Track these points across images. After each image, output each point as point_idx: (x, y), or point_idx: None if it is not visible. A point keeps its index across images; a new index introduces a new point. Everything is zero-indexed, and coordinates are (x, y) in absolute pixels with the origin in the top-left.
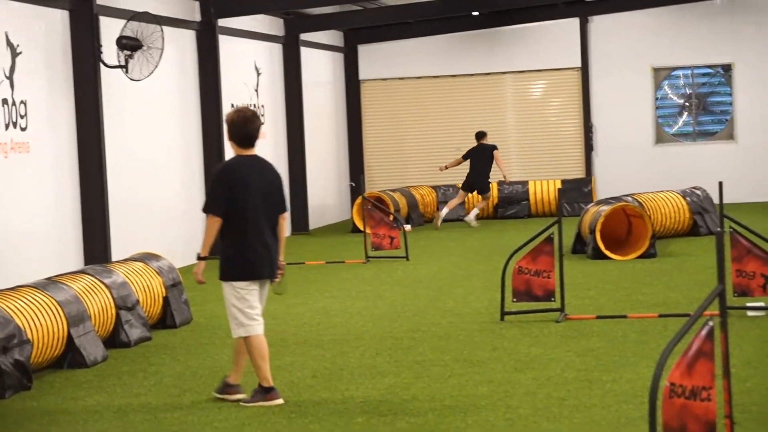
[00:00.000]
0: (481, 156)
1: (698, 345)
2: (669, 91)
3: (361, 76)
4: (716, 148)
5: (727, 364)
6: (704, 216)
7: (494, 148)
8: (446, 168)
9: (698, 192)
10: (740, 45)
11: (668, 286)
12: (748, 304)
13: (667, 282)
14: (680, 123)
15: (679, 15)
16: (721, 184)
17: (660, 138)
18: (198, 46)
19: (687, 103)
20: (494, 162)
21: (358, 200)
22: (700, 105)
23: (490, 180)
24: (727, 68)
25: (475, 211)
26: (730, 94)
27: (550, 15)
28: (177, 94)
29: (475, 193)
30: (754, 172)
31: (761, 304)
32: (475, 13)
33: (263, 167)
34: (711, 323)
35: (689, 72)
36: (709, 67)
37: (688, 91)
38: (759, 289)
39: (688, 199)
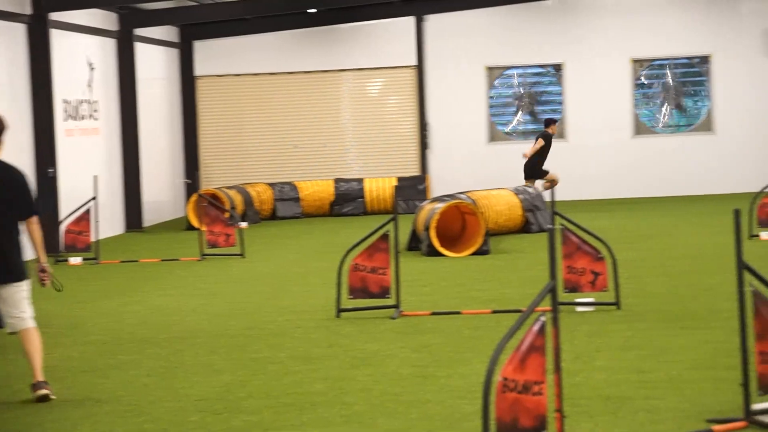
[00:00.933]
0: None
1: (530, 340)
2: (502, 90)
3: (197, 72)
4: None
5: (558, 359)
6: (536, 213)
7: (540, 135)
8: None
9: (530, 189)
10: (571, 45)
11: (501, 282)
12: (578, 300)
13: (501, 278)
14: (515, 121)
15: (512, 15)
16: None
17: (494, 136)
18: (29, 40)
19: (521, 102)
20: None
21: (194, 197)
22: (533, 103)
23: (544, 167)
24: (558, 68)
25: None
26: (561, 93)
27: (386, 13)
28: (7, 90)
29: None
30: (585, 170)
31: (590, 299)
32: (312, 11)
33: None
34: (543, 319)
35: (522, 71)
36: (541, 66)
37: (521, 90)
38: (588, 285)
39: (520, 196)
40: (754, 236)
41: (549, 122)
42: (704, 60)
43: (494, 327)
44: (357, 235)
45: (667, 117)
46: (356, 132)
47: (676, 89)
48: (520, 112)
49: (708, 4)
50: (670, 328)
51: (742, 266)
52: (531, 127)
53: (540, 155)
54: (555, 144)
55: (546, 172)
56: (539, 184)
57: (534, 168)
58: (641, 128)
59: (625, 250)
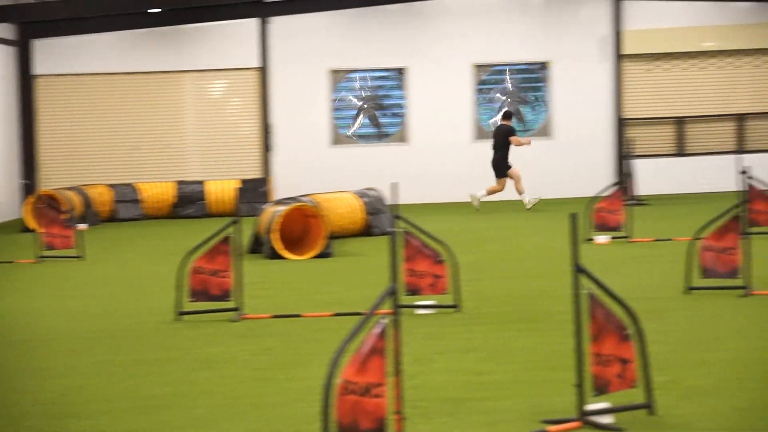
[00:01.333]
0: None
1: (371, 343)
2: (346, 94)
3: (36, 71)
4: (391, 149)
5: (398, 362)
6: (378, 216)
7: (507, 130)
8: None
9: (372, 193)
10: (414, 50)
11: (343, 285)
12: (418, 303)
13: (343, 281)
14: (357, 125)
15: (356, 19)
16: (394, 185)
17: (337, 139)
18: None
19: (363, 105)
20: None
21: (31, 198)
22: (376, 107)
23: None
24: (401, 72)
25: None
26: (404, 97)
27: (230, 15)
28: None
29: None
30: (426, 173)
31: (431, 302)
32: (155, 11)
33: None
34: (384, 321)
35: (366, 75)
36: (384, 70)
37: (364, 94)
38: (429, 288)
39: (363, 199)
40: (589, 240)
41: (508, 115)
42: (544, 66)
43: (335, 330)
44: (198, 237)
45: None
46: (198, 133)
47: (516, 95)
48: (361, 116)
49: (547, 12)
50: (507, 330)
51: (578, 269)
52: (372, 130)
53: (505, 151)
54: (397, 148)
55: (509, 167)
56: (481, 190)
57: (500, 165)
58: (482, 132)
59: (465, 253)
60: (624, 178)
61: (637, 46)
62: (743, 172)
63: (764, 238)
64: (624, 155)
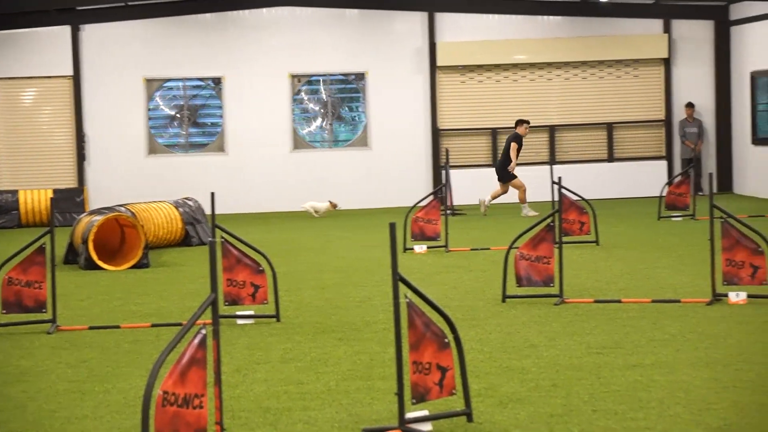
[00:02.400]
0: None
1: (191, 353)
2: (161, 102)
3: None
4: (208, 159)
5: (219, 372)
6: (196, 226)
7: (512, 138)
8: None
9: (190, 202)
10: (230, 59)
11: (162, 295)
12: (238, 313)
13: (161, 292)
14: (172, 134)
15: (172, 27)
16: (213, 194)
17: (153, 149)
18: None
19: (179, 115)
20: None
21: None
22: (192, 117)
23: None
24: (217, 81)
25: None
26: (221, 107)
27: (41, 22)
28: None
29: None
30: (245, 184)
31: (250, 312)
32: None
33: None
34: (203, 332)
35: (181, 84)
36: (201, 79)
37: (180, 103)
38: (249, 298)
39: (180, 209)
40: (408, 249)
41: (518, 123)
42: (360, 76)
43: (154, 341)
44: (11, 248)
45: (324, 132)
46: (9, 142)
47: (333, 105)
48: (179, 125)
49: (364, 23)
50: (327, 340)
51: (397, 278)
52: (190, 140)
53: (506, 158)
54: (215, 158)
55: (514, 176)
56: (487, 195)
57: (505, 170)
58: (299, 143)
59: (285, 263)
60: (441, 187)
61: (451, 57)
62: (556, 183)
63: (577, 248)
64: (440, 165)
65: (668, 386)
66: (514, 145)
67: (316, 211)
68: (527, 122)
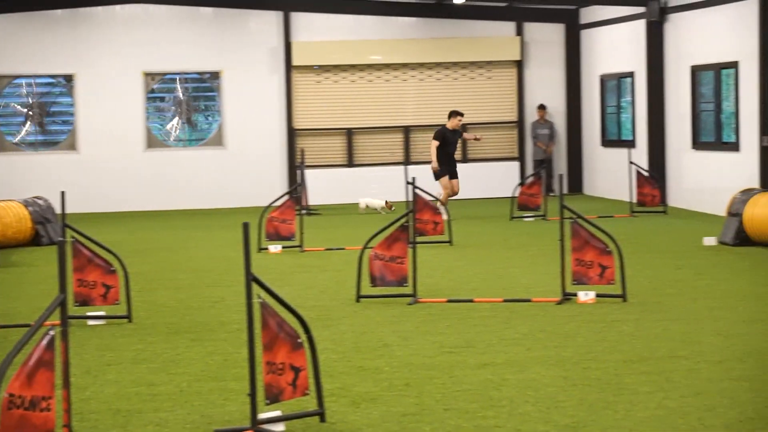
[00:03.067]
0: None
1: (38, 355)
2: (11, 100)
3: None
4: (59, 157)
5: (67, 374)
6: (46, 226)
7: (435, 133)
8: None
9: (40, 201)
10: (82, 56)
11: (10, 296)
12: (88, 314)
13: (9, 293)
14: (23, 132)
15: (22, 23)
16: (63, 193)
17: (2, 147)
18: None
19: (30, 112)
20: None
21: None
22: (42, 114)
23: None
24: (69, 78)
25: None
26: (73, 105)
27: None
28: None
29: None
30: (97, 183)
31: (101, 313)
32: None
33: None
34: (52, 333)
35: (32, 81)
36: (52, 76)
37: (30, 100)
38: (99, 299)
39: (30, 208)
40: (263, 249)
41: (450, 115)
42: (215, 75)
43: (2, 342)
44: None
45: (178, 130)
46: None
47: (187, 103)
48: (29, 123)
49: (219, 21)
50: (180, 341)
51: (251, 278)
52: (41, 138)
53: (439, 154)
54: (66, 156)
55: (443, 174)
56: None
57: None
58: (153, 141)
59: (137, 264)
60: (296, 187)
61: (307, 57)
62: (410, 183)
63: (430, 248)
64: (296, 165)
65: (518, 385)
66: (434, 143)
67: (369, 207)
68: (459, 114)
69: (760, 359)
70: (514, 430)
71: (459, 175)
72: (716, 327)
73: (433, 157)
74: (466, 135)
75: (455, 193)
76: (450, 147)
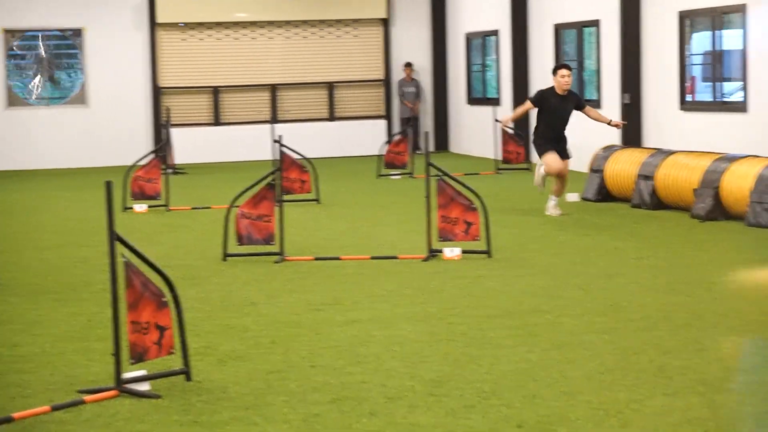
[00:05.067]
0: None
1: None
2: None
3: None
4: None
5: None
6: None
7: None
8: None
9: None
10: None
11: None
12: None
13: None
14: None
15: None
16: None
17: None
18: None
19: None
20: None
21: None
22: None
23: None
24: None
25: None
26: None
27: None
28: None
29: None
30: None
31: None
32: None
33: None
34: None
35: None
36: None
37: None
38: None
39: None
40: (128, 209)
41: (555, 70)
42: (77, 33)
43: None
44: None
45: (40, 89)
46: None
47: (49, 61)
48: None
49: None
50: (43, 302)
51: (114, 238)
52: None
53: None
54: None
55: (542, 148)
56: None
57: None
58: (14, 100)
59: (0, 224)
60: (162, 146)
61: (171, 14)
62: (276, 141)
63: (297, 206)
64: (161, 124)
65: (385, 341)
66: (527, 103)
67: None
68: (565, 67)
69: (620, 312)
70: (380, 386)
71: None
72: (578, 281)
73: (516, 112)
74: (608, 119)
75: (561, 175)
76: (553, 117)
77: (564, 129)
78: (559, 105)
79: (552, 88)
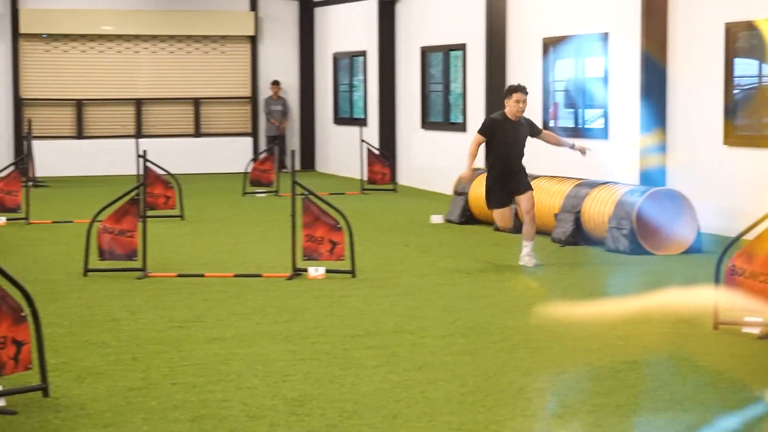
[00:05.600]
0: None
1: None
2: None
3: None
4: None
5: None
6: None
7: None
8: None
9: None
10: None
11: None
12: None
13: None
14: None
15: None
16: None
17: None
18: None
19: None
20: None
21: None
22: None
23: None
24: None
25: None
26: None
27: None
28: None
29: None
30: None
31: None
32: None
33: None
34: None
35: None
36: None
37: None
38: None
39: None
40: None
41: (506, 93)
42: None
43: None
44: None
45: None
46: None
47: None
48: None
49: None
50: None
51: None
52: None
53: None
54: None
55: (491, 200)
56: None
57: None
58: None
59: None
60: (22, 158)
61: (34, 26)
62: (141, 156)
63: (161, 222)
64: (23, 136)
65: (247, 359)
66: (476, 137)
67: None
68: (521, 91)
69: (482, 334)
70: (241, 404)
71: (506, 199)
72: (441, 303)
73: (469, 157)
74: (570, 142)
75: (508, 227)
76: (505, 148)
77: (519, 161)
78: (512, 133)
79: (503, 114)
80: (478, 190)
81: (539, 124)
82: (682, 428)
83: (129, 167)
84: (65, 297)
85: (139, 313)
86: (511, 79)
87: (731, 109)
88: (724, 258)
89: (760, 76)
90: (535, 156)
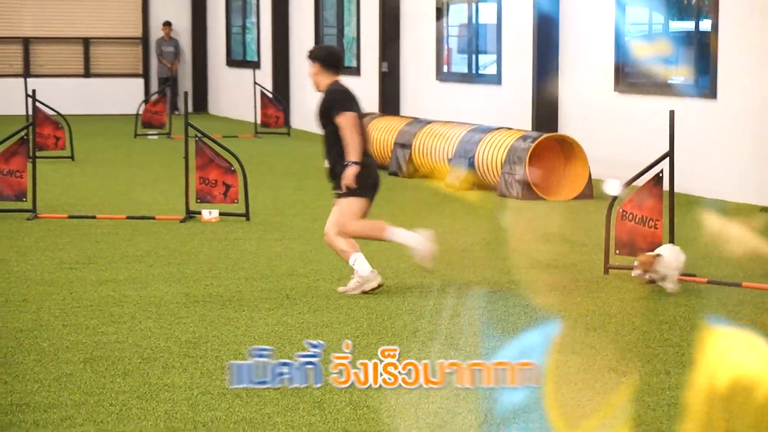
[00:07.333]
0: None
1: None
2: None
3: None
4: None
5: None
6: None
7: None
8: None
9: None
10: None
11: None
12: None
13: None
14: None
15: None
16: None
17: None
18: None
19: None
20: None
21: None
22: None
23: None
24: None
25: None
26: None
27: None
28: None
29: None
30: None
31: None
32: None
33: None
34: None
35: None
36: None
37: None
38: None
39: None
40: None
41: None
42: None
43: None
44: None
45: None
46: None
47: None
48: None
49: None
50: None
51: None
52: None
53: None
54: None
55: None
56: None
57: None
58: None
59: None
60: None
61: None
62: (30, 96)
63: (51, 162)
64: None
65: (140, 301)
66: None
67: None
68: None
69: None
70: (134, 346)
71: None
72: None
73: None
74: None
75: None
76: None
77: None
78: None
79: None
80: (372, 135)
81: (432, 71)
82: (574, 370)
83: (17, 107)
84: None
85: (29, 254)
86: (405, 24)
87: (622, 56)
88: (614, 203)
89: (650, 23)
90: (428, 101)
